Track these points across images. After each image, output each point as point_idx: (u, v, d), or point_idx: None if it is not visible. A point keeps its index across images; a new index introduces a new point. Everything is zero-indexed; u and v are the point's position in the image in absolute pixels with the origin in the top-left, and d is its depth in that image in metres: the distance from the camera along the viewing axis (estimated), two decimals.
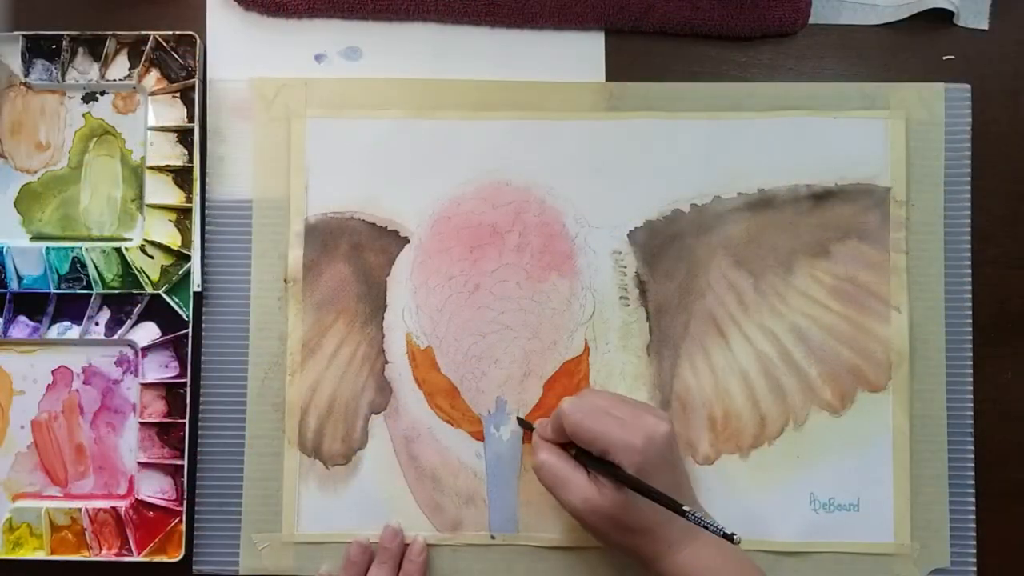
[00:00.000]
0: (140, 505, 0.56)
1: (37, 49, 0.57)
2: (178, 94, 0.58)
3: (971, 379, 0.57)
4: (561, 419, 0.51)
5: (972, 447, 0.57)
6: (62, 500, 0.57)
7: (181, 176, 0.57)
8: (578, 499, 0.50)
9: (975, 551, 0.57)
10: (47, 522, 0.56)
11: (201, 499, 0.57)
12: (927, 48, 0.59)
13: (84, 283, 0.57)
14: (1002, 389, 0.58)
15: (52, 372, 0.57)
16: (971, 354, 0.57)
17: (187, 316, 0.57)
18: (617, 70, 0.59)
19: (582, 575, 0.57)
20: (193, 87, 0.57)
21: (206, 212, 0.58)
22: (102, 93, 0.58)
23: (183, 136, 0.57)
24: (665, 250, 0.58)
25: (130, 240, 0.58)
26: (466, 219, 0.58)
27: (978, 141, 0.58)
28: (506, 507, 0.57)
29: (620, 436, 0.49)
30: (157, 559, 0.56)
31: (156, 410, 0.57)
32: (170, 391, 0.57)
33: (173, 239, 0.57)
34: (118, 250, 0.57)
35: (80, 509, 0.56)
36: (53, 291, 0.57)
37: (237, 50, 0.59)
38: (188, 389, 0.56)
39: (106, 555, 0.56)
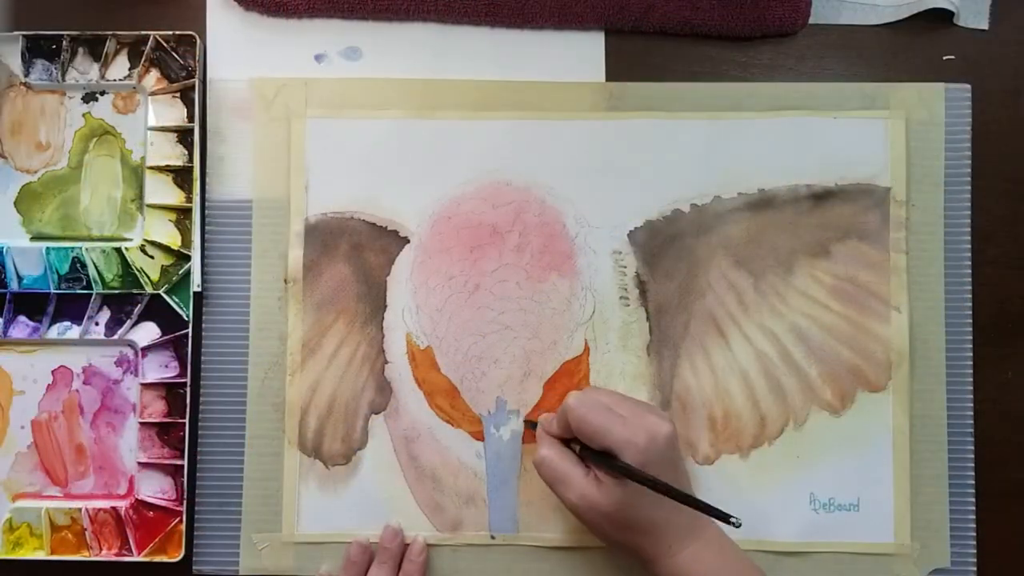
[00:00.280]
0: (140, 505, 0.56)
1: (37, 49, 0.57)
2: (178, 94, 0.58)
3: (971, 379, 0.57)
4: (567, 413, 0.51)
5: (972, 447, 0.57)
6: (62, 500, 0.57)
7: (181, 176, 0.57)
8: (576, 495, 0.50)
9: (975, 551, 0.57)
10: (47, 522, 0.56)
11: (201, 499, 0.57)
12: (927, 48, 0.59)
13: (84, 283, 0.57)
14: (1002, 389, 0.58)
15: (52, 372, 0.57)
16: (971, 354, 0.57)
17: (187, 316, 0.57)
18: (617, 70, 0.59)
19: (582, 575, 0.57)
20: (193, 87, 0.57)
21: (206, 212, 0.58)
22: (102, 93, 0.58)
23: (183, 136, 0.57)
24: (665, 250, 0.58)
25: (130, 240, 0.58)
26: (466, 219, 0.58)
27: (978, 141, 0.58)
28: (506, 507, 0.57)
29: (623, 433, 0.49)
30: (157, 559, 0.56)
31: (156, 410, 0.57)
32: (170, 391, 0.57)
33: (173, 239, 0.57)
34: (118, 250, 0.57)
35: (80, 509, 0.56)
36: (53, 291, 0.57)
37: (237, 50, 0.59)
38: (188, 389, 0.56)
39: (106, 555, 0.56)
